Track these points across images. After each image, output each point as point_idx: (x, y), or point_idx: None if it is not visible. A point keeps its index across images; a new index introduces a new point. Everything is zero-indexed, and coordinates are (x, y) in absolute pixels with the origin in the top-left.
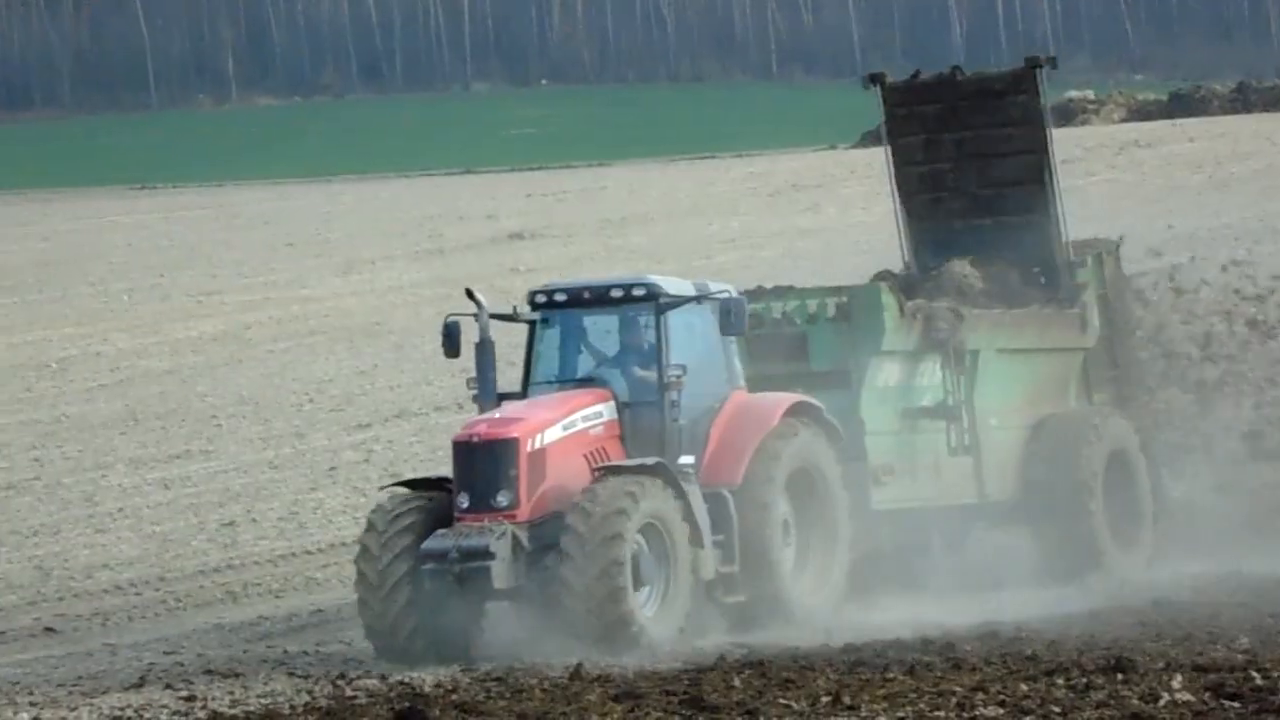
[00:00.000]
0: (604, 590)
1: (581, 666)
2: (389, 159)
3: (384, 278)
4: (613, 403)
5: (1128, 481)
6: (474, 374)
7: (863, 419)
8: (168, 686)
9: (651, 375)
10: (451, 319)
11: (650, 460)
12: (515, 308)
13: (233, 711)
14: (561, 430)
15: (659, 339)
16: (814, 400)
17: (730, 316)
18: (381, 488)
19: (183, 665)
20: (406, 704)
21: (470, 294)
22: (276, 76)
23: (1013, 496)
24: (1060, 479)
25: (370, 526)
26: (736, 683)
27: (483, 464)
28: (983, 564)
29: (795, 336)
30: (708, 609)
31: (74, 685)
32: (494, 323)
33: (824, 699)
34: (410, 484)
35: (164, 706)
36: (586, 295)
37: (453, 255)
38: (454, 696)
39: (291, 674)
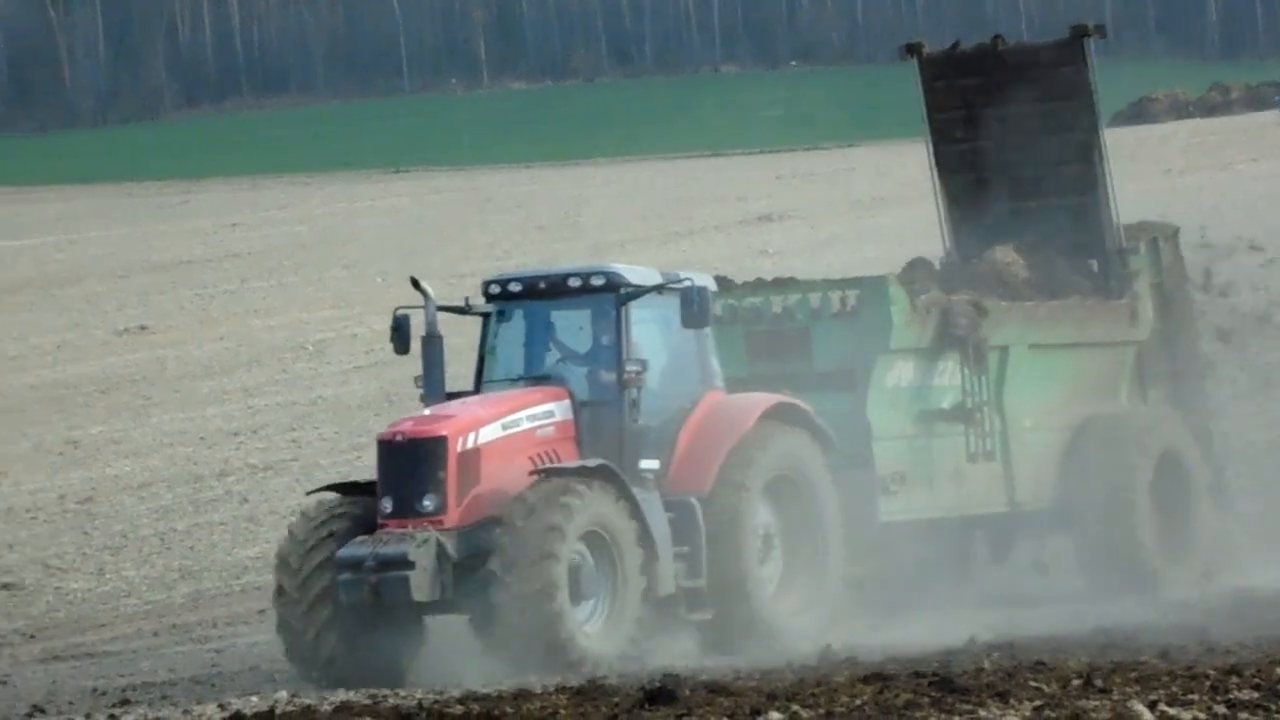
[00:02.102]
0: (537, 606)
1: (830, 647)
2: (639, 142)
3: (633, 260)
4: (568, 401)
5: (1181, 488)
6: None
7: (870, 423)
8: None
9: (611, 372)
10: (401, 312)
11: (593, 462)
12: (467, 299)
13: (485, 690)
14: (500, 429)
15: (619, 333)
16: (799, 402)
17: (692, 308)
18: (309, 492)
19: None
20: (657, 684)
21: (416, 284)
22: (528, 60)
23: (1050, 505)
24: (1103, 486)
25: (291, 535)
26: (986, 664)
27: (407, 465)
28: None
29: (797, 333)
30: (675, 627)
31: None
32: (447, 316)
33: (1075, 681)
34: (339, 488)
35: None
36: (542, 285)
37: (701, 237)
38: (703, 677)
39: None
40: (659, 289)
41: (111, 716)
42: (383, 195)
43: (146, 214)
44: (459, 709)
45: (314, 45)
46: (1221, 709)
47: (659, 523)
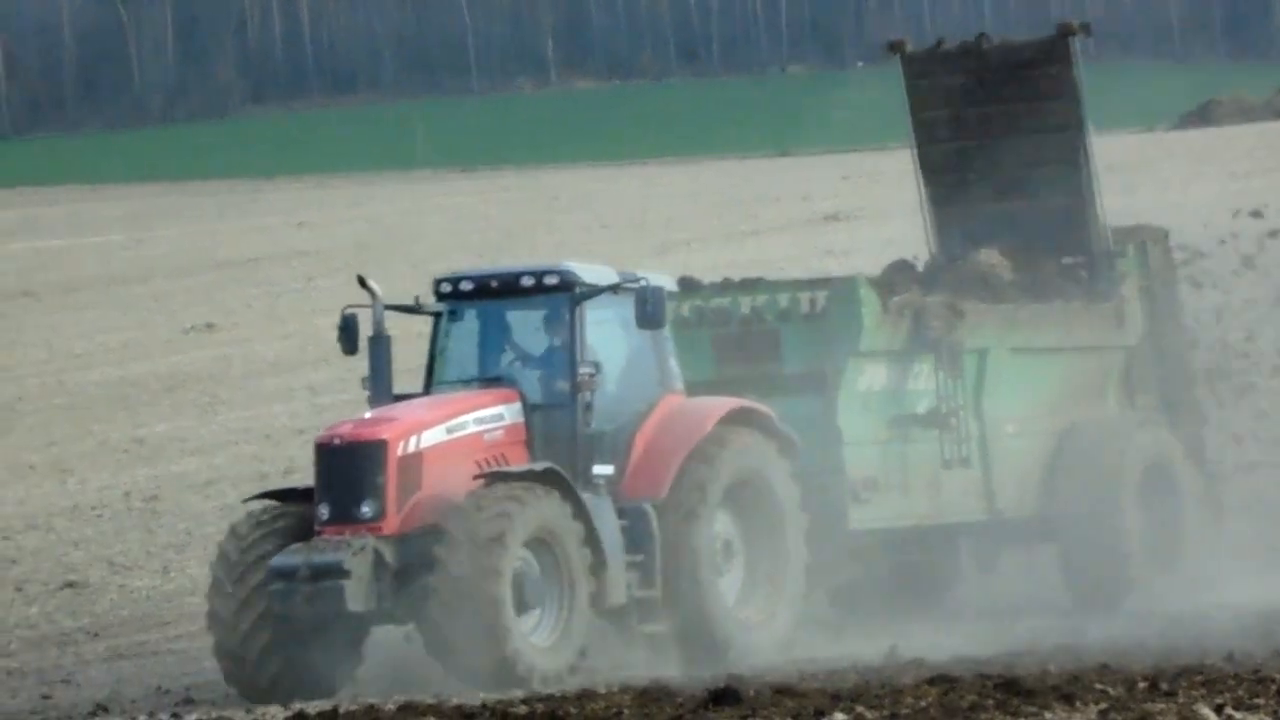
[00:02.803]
0: (480, 623)
1: (896, 647)
2: (705, 141)
3: (699, 259)
4: (518, 404)
5: (1169, 496)
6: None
7: (840, 427)
8: None
9: (564, 374)
10: (349, 311)
11: (539, 466)
12: (417, 298)
13: (548, 691)
14: (445, 433)
15: (572, 334)
16: (760, 405)
17: (647, 308)
18: (245, 499)
19: None
20: (722, 685)
21: (363, 282)
22: (595, 60)
23: (1033, 513)
24: (1087, 495)
25: (225, 543)
26: (1051, 667)
27: (346, 470)
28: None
29: (766, 335)
30: (625, 638)
31: None
32: (395, 315)
33: (1140, 684)
34: (279, 494)
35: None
36: (495, 284)
37: (767, 236)
38: (768, 677)
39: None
40: (614, 289)
41: (175, 715)
42: (449, 194)
43: (214, 212)
44: (523, 709)
45: (383, 44)
46: None
47: (609, 530)
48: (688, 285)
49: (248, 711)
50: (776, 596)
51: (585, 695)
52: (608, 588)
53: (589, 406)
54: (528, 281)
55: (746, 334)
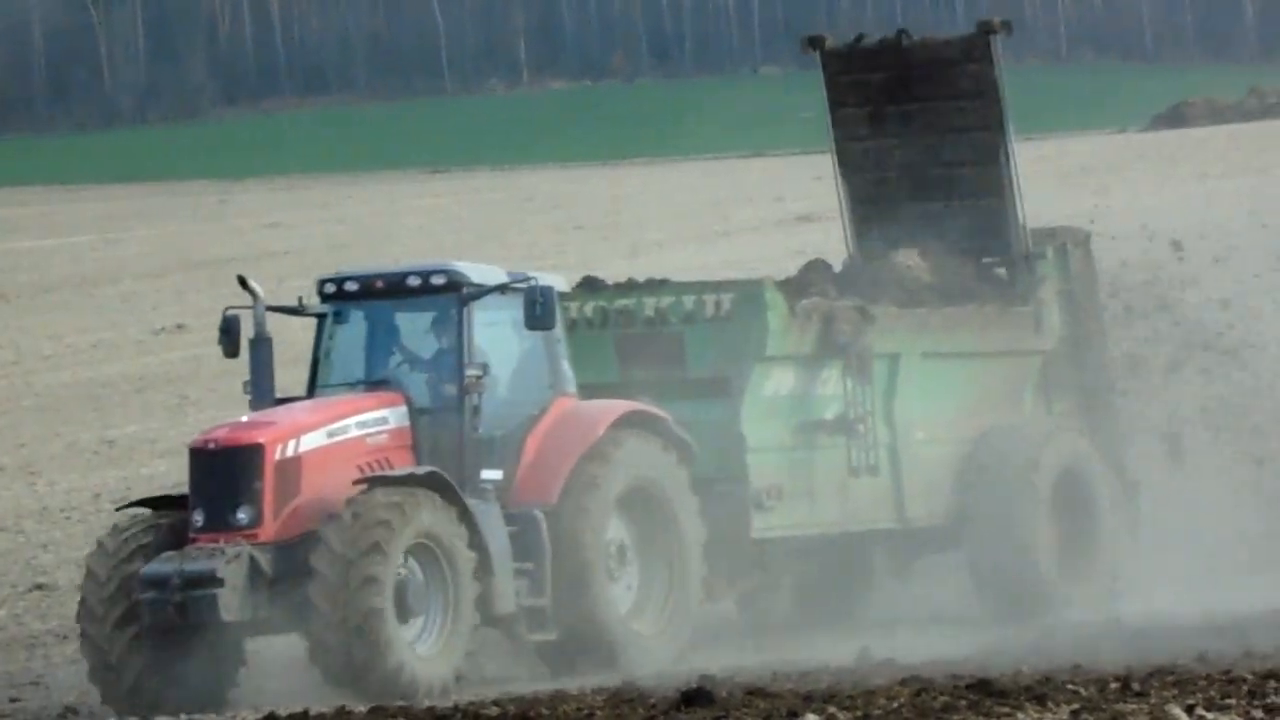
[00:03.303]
0: (360, 637)
1: (868, 649)
2: (678, 142)
3: (671, 260)
4: (404, 408)
5: (1084, 504)
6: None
7: (744, 434)
8: None
9: (451, 377)
10: (230, 312)
11: (421, 470)
12: (301, 299)
13: (521, 690)
14: (325, 437)
15: (460, 335)
16: (655, 409)
17: (535, 309)
18: (119, 508)
19: None
20: (694, 685)
21: (243, 282)
22: (568, 60)
23: (943, 521)
24: (996, 503)
25: (97, 551)
26: (1023, 667)
27: (221, 475)
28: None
29: (670, 338)
30: (513, 647)
31: None
32: (277, 317)
33: (1112, 685)
34: (152, 502)
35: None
36: (380, 285)
37: (739, 238)
38: (740, 678)
39: None
40: (502, 289)
41: (143, 718)
42: (422, 195)
43: (185, 213)
44: (494, 710)
45: (355, 45)
46: (1259, 713)
47: (496, 536)
48: (591, 286)
49: (216, 714)
50: (672, 606)
51: (558, 696)
52: (495, 595)
53: (477, 410)
54: (414, 281)
55: (650, 336)
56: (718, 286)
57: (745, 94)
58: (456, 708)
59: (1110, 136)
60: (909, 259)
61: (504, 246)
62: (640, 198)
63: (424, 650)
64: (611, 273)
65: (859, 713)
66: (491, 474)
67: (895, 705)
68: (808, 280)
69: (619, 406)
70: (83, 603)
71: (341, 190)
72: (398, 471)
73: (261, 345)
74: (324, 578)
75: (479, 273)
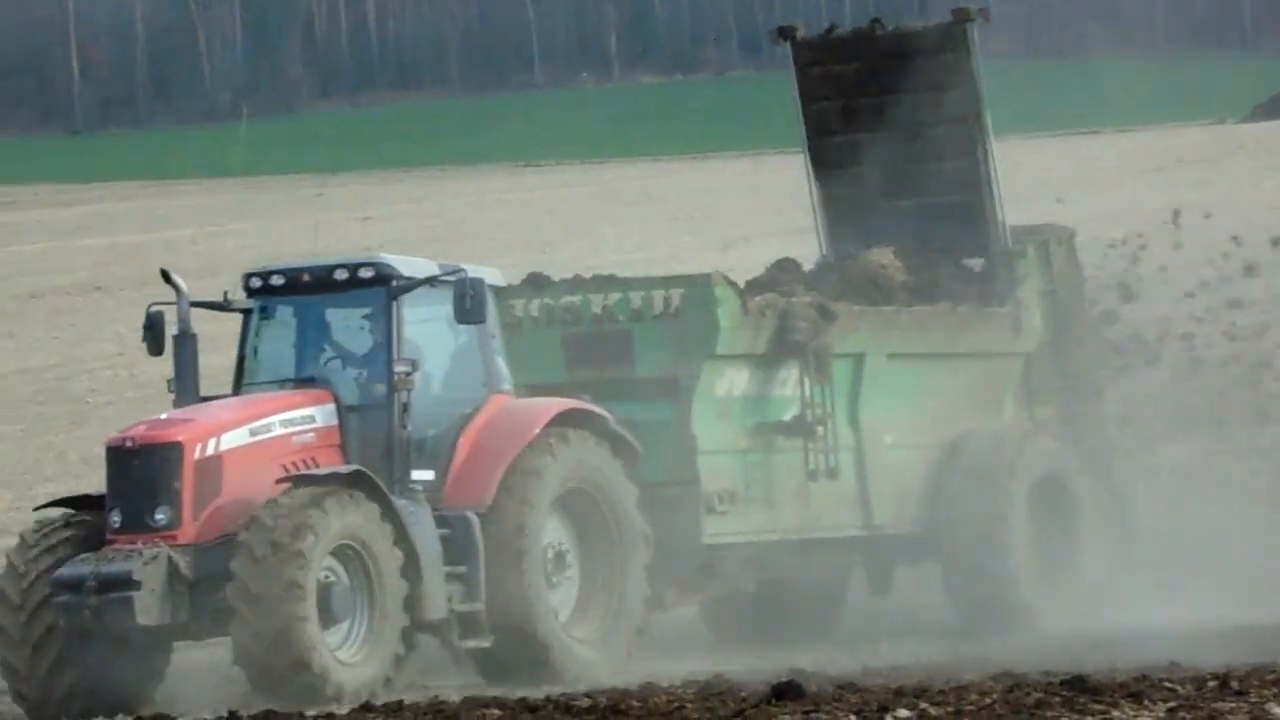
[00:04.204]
0: (282, 644)
1: (959, 644)
2: (768, 136)
3: (761, 254)
4: (331, 406)
5: (1063, 512)
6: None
7: (695, 435)
8: None
9: (379, 374)
10: (154, 308)
11: (345, 469)
12: (226, 294)
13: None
14: (248, 435)
15: (389, 330)
16: (594, 407)
17: (465, 302)
18: (36, 508)
19: None
20: (785, 679)
21: (166, 276)
22: (659, 54)
23: (914, 529)
24: (971, 511)
25: (16, 550)
26: (1119, 664)
27: (138, 474)
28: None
29: (618, 336)
30: (444, 654)
31: None
32: (202, 312)
33: (1210, 683)
34: (72, 501)
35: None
36: (307, 278)
37: None
38: (831, 672)
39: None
40: (431, 281)
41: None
42: (513, 189)
43: (281, 207)
44: (586, 702)
45: (448, 39)
46: None
47: (426, 538)
48: (536, 282)
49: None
50: (613, 612)
51: (647, 689)
52: (425, 600)
53: (406, 407)
54: (341, 275)
55: (598, 334)
56: (666, 282)
57: None
58: (549, 699)
59: (1208, 128)
60: (883, 258)
61: (593, 241)
62: (731, 192)
63: (349, 655)
64: (703, 266)
65: (950, 708)
66: (423, 474)
67: (988, 701)
68: (775, 279)
69: (555, 404)
70: None
71: (434, 184)
72: (321, 470)
73: (185, 341)
74: (243, 583)
75: (409, 265)
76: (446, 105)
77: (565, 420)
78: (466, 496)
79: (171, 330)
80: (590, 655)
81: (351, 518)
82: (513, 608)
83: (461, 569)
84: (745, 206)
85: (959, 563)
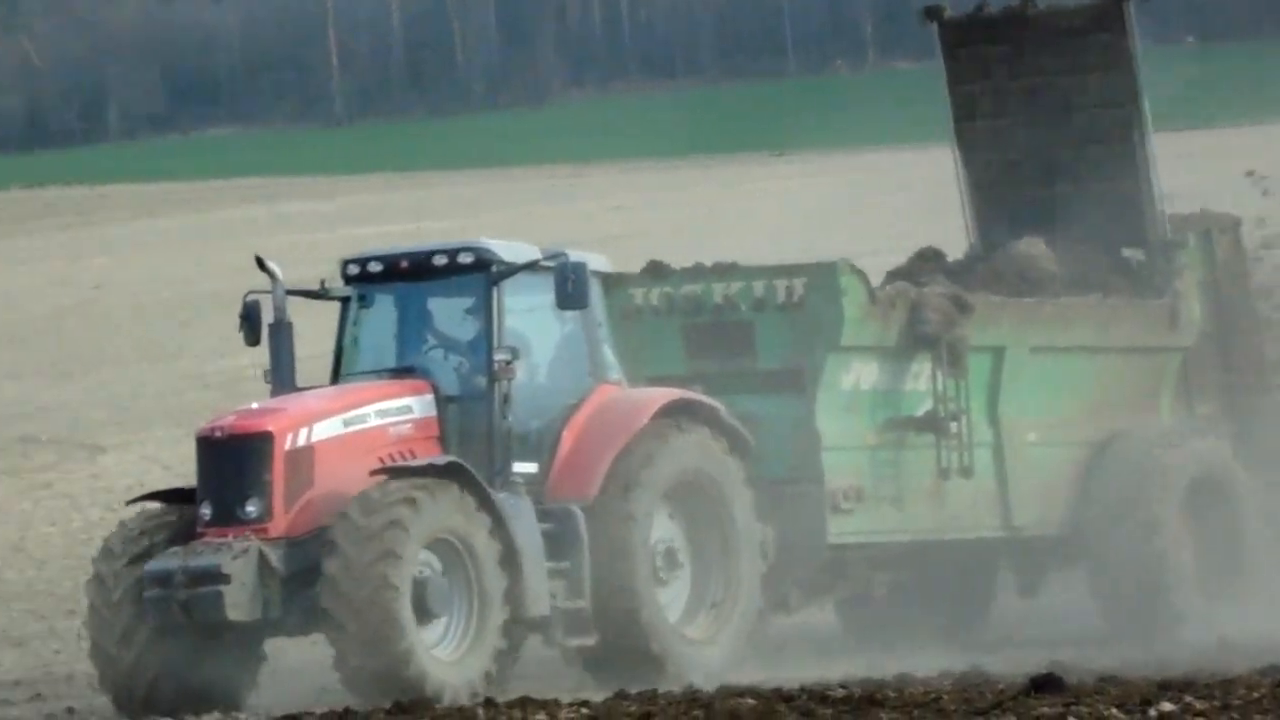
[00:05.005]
0: (377, 646)
1: (1227, 636)
2: None
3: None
4: (430, 396)
5: (1224, 514)
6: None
7: (819, 430)
8: None
9: (479, 363)
10: (251, 297)
11: (441, 460)
12: (324, 282)
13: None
14: (341, 426)
15: (488, 317)
16: (705, 398)
17: (567, 287)
18: (129, 501)
19: None
20: (1044, 672)
21: (261, 264)
22: (913, 40)
23: (1059, 530)
24: (1123, 513)
25: (106, 549)
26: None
27: (229, 465)
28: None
29: (740, 327)
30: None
31: None
32: (298, 300)
33: None
34: (164, 495)
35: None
36: (405, 265)
37: None
38: (1092, 665)
39: None
40: (532, 266)
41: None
42: (767, 178)
43: (534, 197)
44: (841, 692)
45: (700, 27)
46: None
47: (527, 532)
48: (656, 271)
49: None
50: (726, 611)
51: (903, 679)
52: (527, 596)
53: (507, 398)
54: (440, 260)
55: (719, 325)
56: (790, 271)
57: None
58: (803, 688)
59: None
60: (1033, 248)
61: (849, 229)
62: None
63: (447, 654)
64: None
65: (1216, 702)
66: (525, 467)
67: (1255, 696)
68: (917, 270)
69: (664, 394)
70: (91, 608)
71: (686, 174)
72: (415, 462)
73: (281, 330)
74: (334, 581)
75: (510, 250)
76: (699, 93)
77: (675, 411)
78: (571, 489)
79: (268, 319)
80: (704, 655)
81: (445, 511)
82: (620, 606)
83: (565, 564)
84: None
85: (1109, 567)
